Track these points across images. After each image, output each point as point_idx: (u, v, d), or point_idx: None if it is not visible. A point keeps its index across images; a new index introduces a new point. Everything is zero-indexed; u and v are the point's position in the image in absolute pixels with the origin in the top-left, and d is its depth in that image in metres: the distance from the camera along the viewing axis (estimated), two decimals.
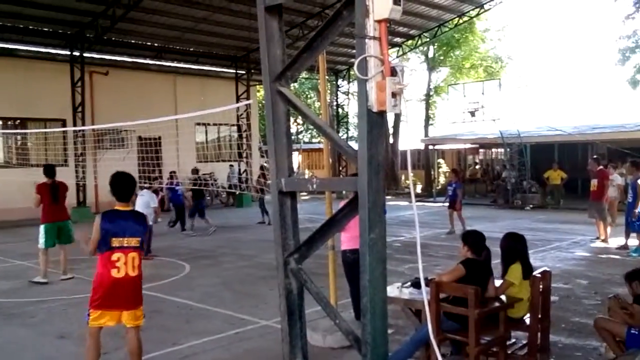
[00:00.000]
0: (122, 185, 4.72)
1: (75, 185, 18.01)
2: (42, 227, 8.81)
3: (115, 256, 4.50)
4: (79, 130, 17.49)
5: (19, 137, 18.66)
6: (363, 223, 2.79)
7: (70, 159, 18.47)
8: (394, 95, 2.71)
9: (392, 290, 4.99)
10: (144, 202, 11.03)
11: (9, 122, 18.66)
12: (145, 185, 12.14)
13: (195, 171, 15.85)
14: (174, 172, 16.32)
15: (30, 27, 17.67)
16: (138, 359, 4.74)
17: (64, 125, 18.38)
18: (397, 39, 24.85)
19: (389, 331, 4.25)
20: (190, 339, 5.99)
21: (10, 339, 6.23)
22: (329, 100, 25.47)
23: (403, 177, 29.28)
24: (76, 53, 18.52)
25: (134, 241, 4.60)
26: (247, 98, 23.23)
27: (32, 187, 9.22)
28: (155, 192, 12.45)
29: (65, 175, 17.34)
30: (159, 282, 8.77)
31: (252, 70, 23.86)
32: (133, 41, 20.10)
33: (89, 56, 19.03)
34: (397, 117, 27.34)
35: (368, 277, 2.80)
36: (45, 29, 18.08)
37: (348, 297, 6.53)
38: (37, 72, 18.14)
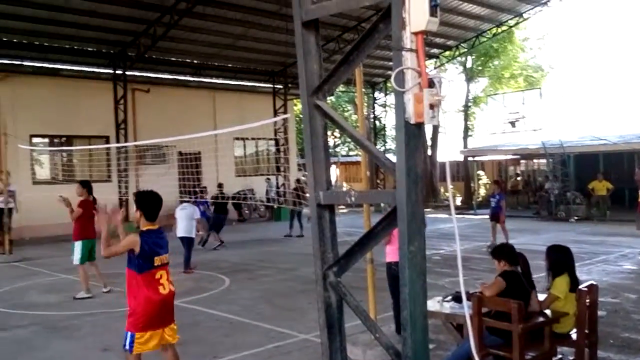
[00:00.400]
0: (154, 205, 4.71)
1: (119, 201, 18.46)
2: (79, 244, 8.85)
3: (158, 274, 4.54)
4: (122, 147, 17.93)
5: (64, 154, 19.26)
6: (402, 235, 2.76)
7: (114, 175, 18.97)
8: (431, 106, 2.68)
9: (433, 304, 4.93)
10: (188, 214, 11.23)
11: (55, 140, 19.27)
12: (186, 198, 12.33)
13: (219, 186, 15.96)
14: (204, 187, 16.59)
15: (76, 47, 18.31)
16: None
17: (108, 141, 18.90)
18: (435, 50, 24.71)
19: (430, 346, 4.18)
20: (230, 352, 6.02)
21: (57, 352, 6.38)
22: (365, 113, 25.48)
23: (442, 189, 28.92)
24: (119, 71, 19.13)
25: (166, 257, 4.69)
26: (285, 112, 23.49)
27: (58, 201, 9.18)
28: (197, 204, 12.61)
29: (109, 190, 17.90)
30: (198, 295, 8.86)
31: (289, 85, 24.12)
32: (173, 59, 20.59)
33: (131, 74, 19.57)
34: (435, 128, 27.09)
35: (408, 290, 2.76)
36: (90, 49, 18.71)
37: (387, 312, 6.48)
38: (82, 91, 18.72)
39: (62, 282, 10.36)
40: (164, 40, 17.98)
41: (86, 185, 9.19)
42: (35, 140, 18.43)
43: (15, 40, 17.00)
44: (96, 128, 19.04)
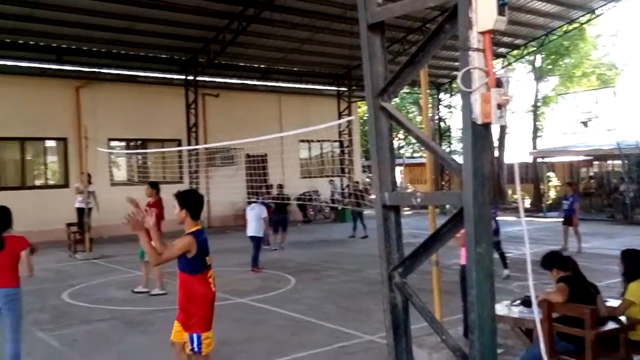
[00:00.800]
0: (198, 204, 4.62)
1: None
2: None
3: (209, 274, 4.54)
4: (193, 149, 18.56)
5: (140, 157, 20.15)
6: (469, 238, 2.75)
7: (185, 176, 19.66)
8: (499, 106, 2.66)
9: (501, 309, 4.84)
10: (256, 214, 11.53)
11: (131, 143, 20.19)
12: (253, 199, 12.62)
13: (280, 187, 16.18)
14: (270, 187, 16.90)
15: (150, 55, 19.16)
16: None
17: (180, 144, 19.64)
18: (502, 49, 24.09)
19: (498, 351, 4.11)
20: (296, 350, 6.13)
21: (133, 345, 6.71)
22: (430, 114, 25.16)
23: (510, 192, 28.10)
24: (190, 77, 19.82)
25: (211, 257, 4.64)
26: (349, 114, 23.58)
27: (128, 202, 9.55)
28: (265, 205, 12.87)
29: None
30: (265, 294, 9.06)
31: (353, 87, 24.19)
32: (241, 64, 21.11)
33: (202, 79, 20.23)
34: (503, 129, 26.39)
35: (475, 293, 2.75)
36: (164, 56, 19.50)
37: (452, 315, 6.41)
38: (156, 96, 19.54)
39: (138, 279, 10.83)
40: (233, 46, 18.48)
41: (155, 187, 9.53)
42: (113, 143, 19.39)
43: (95, 49, 17.95)
44: (169, 132, 19.81)
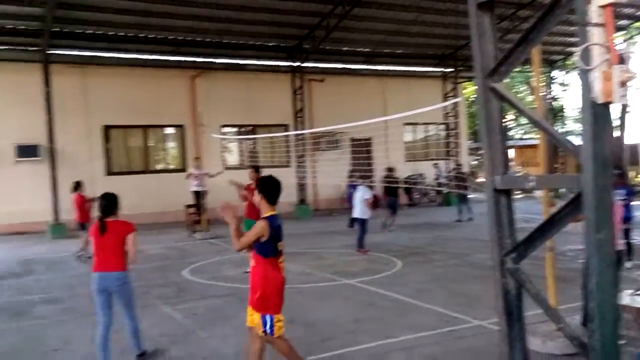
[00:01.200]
0: (275, 189, 4.67)
1: (297, 185, 19.68)
2: (248, 222, 9.60)
3: (280, 259, 4.61)
4: (299, 134, 19.02)
5: (249, 142, 20.99)
6: (589, 223, 2.64)
7: (292, 160, 20.21)
8: (621, 84, 2.51)
9: (624, 298, 4.57)
10: (361, 197, 11.67)
11: (242, 129, 21.07)
12: (359, 182, 12.73)
13: (389, 170, 16.09)
14: (355, 171, 16.92)
15: (258, 43, 19.79)
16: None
17: (286, 130, 20.19)
18: (623, 22, 22.23)
19: (621, 342, 3.90)
20: (403, 332, 6.17)
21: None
22: (542, 93, 23.85)
23: (633, 174, 26.04)
24: (296, 64, 20.25)
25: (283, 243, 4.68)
26: (455, 96, 22.97)
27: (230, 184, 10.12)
28: (370, 187, 12.97)
29: (288, 175, 19.11)
30: (372, 276, 9.16)
31: (460, 68, 23.47)
32: (345, 49, 21.19)
33: (307, 66, 20.60)
34: (624, 107, 24.41)
35: (596, 281, 2.65)
36: (270, 44, 20.06)
37: (567, 303, 6.15)
38: (264, 83, 20.20)
39: (240, 257, 11.34)
40: (337, 31, 18.62)
41: (258, 170, 9.81)
42: (225, 129, 20.33)
43: (208, 40, 18.82)
44: (277, 117, 20.44)
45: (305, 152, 20.01)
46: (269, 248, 4.50)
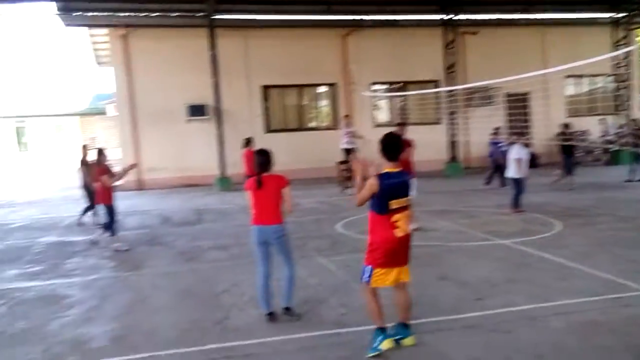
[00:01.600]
0: (392, 146, 4.69)
1: (447, 142, 19.33)
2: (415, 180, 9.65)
3: (394, 217, 4.61)
4: (451, 90, 18.52)
5: (399, 99, 20.90)
6: None
7: (443, 118, 19.81)
8: None
9: None
10: (516, 154, 11.18)
11: (392, 86, 21.01)
12: (501, 139, 12.23)
13: (565, 126, 15.10)
14: (498, 127, 16.03)
15: None
16: (408, 313, 4.89)
17: (437, 86, 19.76)
18: None
19: None
20: (562, 297, 5.94)
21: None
22: None
23: None
24: (448, 16, 19.53)
25: (405, 200, 4.68)
26: (627, 44, 20.64)
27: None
28: (526, 145, 12.38)
29: (438, 132, 18.87)
30: (527, 237, 8.86)
31: (634, 12, 20.95)
32: None
33: (459, 18, 19.78)
34: None
35: None
36: None
37: None
38: (414, 39, 19.84)
39: None
40: None
41: (404, 127, 9.89)
42: (375, 87, 20.42)
43: None
44: (427, 73, 20.07)
45: (457, 109, 19.48)
46: (378, 205, 4.61)
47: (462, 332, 5.12)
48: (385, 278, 4.69)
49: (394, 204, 4.60)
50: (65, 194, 17.42)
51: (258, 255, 5.67)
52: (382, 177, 4.61)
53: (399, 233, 4.63)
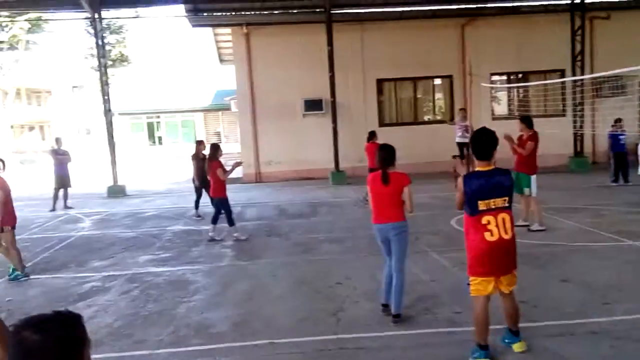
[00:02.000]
0: (481, 143, 4.43)
1: (573, 135, 18.15)
2: (534, 177, 9.17)
3: (485, 219, 4.30)
4: (578, 80, 17.35)
5: (520, 90, 19.94)
6: None
7: (568, 109, 18.62)
8: None
9: None
10: None
11: (512, 77, 20.08)
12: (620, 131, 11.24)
13: None
14: (620, 119, 14.55)
15: None
16: (515, 320, 4.58)
17: (562, 75, 18.57)
18: None
19: None
20: None
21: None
22: None
23: None
24: (577, 0, 18.24)
25: (501, 201, 4.33)
26: None
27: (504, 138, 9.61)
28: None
29: (563, 125, 17.76)
30: None
31: None
32: None
33: (589, 1, 18.43)
34: None
35: None
36: None
37: None
38: (537, 26, 18.76)
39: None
40: None
41: (524, 121, 9.39)
42: (494, 78, 19.66)
43: None
44: (551, 62, 18.93)
45: (584, 100, 18.19)
46: (467, 205, 4.40)
47: (586, 338, 4.85)
48: (481, 288, 4.39)
49: (482, 204, 4.31)
50: (192, 185, 18.56)
51: (382, 250, 5.65)
52: (469, 176, 4.44)
53: (489, 237, 4.29)
